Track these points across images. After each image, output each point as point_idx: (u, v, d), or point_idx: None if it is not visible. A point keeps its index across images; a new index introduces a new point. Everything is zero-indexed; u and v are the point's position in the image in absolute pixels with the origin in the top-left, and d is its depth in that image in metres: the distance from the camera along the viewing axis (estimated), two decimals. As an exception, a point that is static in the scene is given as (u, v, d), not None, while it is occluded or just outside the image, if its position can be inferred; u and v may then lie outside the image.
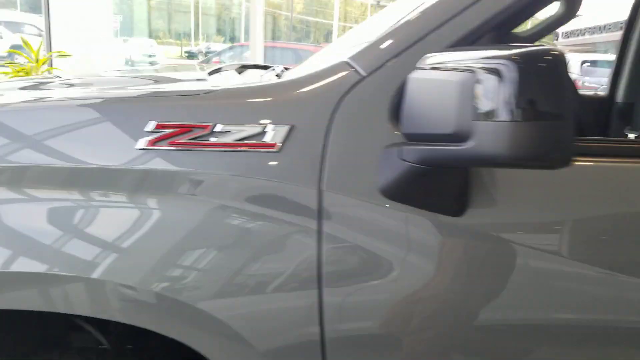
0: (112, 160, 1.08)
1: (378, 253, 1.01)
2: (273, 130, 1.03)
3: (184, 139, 1.06)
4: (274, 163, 1.03)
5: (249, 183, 1.04)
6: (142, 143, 1.06)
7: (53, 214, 1.08)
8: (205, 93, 1.12)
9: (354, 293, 1.03)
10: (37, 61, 3.33)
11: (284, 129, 1.03)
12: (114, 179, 1.07)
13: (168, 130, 1.06)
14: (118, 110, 1.13)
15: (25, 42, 3.44)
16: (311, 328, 1.02)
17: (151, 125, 1.07)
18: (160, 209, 1.06)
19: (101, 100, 1.19)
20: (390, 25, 1.11)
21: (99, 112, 1.13)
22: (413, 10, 1.10)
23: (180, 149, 1.06)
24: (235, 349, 1.06)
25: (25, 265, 1.05)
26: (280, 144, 1.03)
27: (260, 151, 1.04)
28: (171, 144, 1.06)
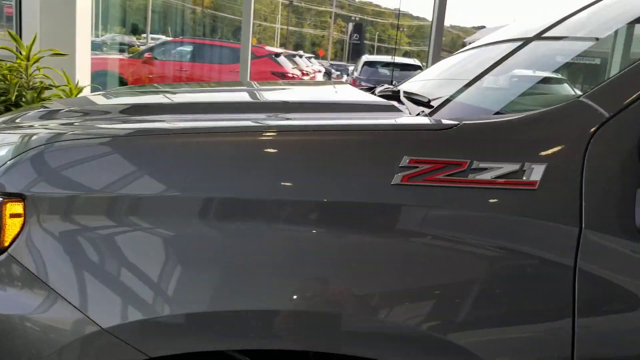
0: (363, 195, 1.06)
1: (634, 289, 1.06)
2: (532, 168, 1.05)
3: (439, 175, 1.05)
4: (533, 201, 1.05)
5: (508, 221, 1.05)
6: (397, 179, 1.04)
7: (303, 248, 1.05)
8: (451, 127, 1.12)
9: (607, 324, 1.07)
10: (28, 59, 3.03)
11: (541, 167, 1.05)
12: (366, 214, 1.06)
13: (423, 166, 1.05)
14: (367, 143, 1.11)
15: (14, 37, 3.11)
16: (562, 355, 1.05)
17: (405, 161, 1.05)
18: (413, 245, 1.05)
19: (345, 130, 1.16)
20: (625, 65, 1.15)
21: (345, 144, 1.10)
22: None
23: (437, 185, 1.05)
24: None
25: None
26: (539, 183, 1.05)
27: (520, 189, 1.05)
28: (427, 180, 1.05)
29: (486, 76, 1.58)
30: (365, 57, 12.27)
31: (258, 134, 1.16)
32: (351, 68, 18.55)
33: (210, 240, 1.05)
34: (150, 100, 1.75)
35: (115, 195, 1.06)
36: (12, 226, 1.06)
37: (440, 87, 1.91)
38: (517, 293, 1.05)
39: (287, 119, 1.28)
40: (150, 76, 9.14)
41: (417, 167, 1.05)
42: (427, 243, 1.05)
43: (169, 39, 11.15)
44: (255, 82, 2.24)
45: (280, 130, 1.17)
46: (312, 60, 14.29)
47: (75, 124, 1.32)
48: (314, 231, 1.05)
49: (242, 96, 1.88)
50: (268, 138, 1.14)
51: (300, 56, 12.24)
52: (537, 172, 1.05)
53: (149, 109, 1.51)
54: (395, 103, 1.49)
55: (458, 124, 1.12)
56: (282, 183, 1.07)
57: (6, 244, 1.06)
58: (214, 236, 1.05)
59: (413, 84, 2.09)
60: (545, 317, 1.05)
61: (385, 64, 11.49)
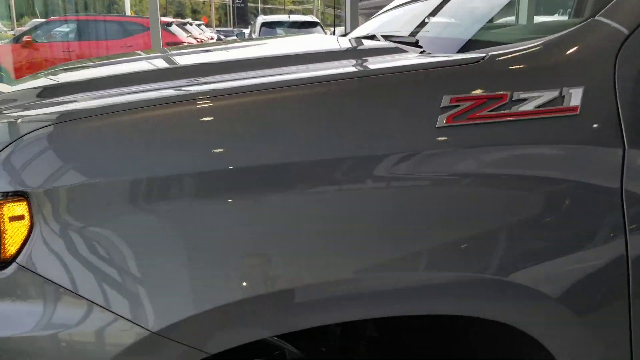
0: (408, 143, 0.98)
1: None
2: (570, 93, 1.02)
3: (483, 111, 0.99)
4: (576, 126, 1.02)
5: (555, 150, 1.02)
6: (441, 120, 0.98)
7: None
8: (479, 61, 1.05)
9: None
10: None
11: (579, 91, 1.02)
12: (415, 164, 0.98)
13: (465, 104, 0.99)
14: (401, 87, 1.02)
15: None
16: (620, 278, 1.05)
17: (446, 100, 0.98)
18: (468, 189, 1.00)
19: (374, 75, 1.08)
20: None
21: (378, 90, 1.02)
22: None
23: (482, 122, 0.99)
24: (545, 310, 1.04)
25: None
26: (580, 108, 1.02)
27: (563, 116, 1.02)
28: (471, 118, 0.99)
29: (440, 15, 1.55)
30: (262, 19, 11.95)
31: (276, 90, 1.04)
32: (246, 31, 18.08)
33: (254, 218, 0.93)
34: (98, 74, 1.55)
35: (134, 179, 0.91)
36: (16, 231, 0.88)
37: (402, 29, 1.84)
38: (571, 222, 1.02)
39: (295, 72, 1.16)
40: (37, 61, 8.32)
41: (459, 105, 0.98)
42: (481, 184, 1.00)
43: (40, 20, 10.13)
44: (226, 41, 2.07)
45: (300, 83, 1.06)
46: (203, 27, 13.75)
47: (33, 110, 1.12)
48: (368, 187, 0.96)
49: (233, 54, 1.70)
50: (297, 92, 1.02)
51: (191, 24, 11.72)
52: (575, 97, 1.02)
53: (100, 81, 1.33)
54: (398, 45, 1.40)
55: (485, 55, 1.06)
56: (317, 141, 0.96)
57: (9, 254, 0.88)
58: (257, 212, 0.94)
59: (366, 32, 2.01)
60: (599, 242, 1.04)
61: (285, 24, 11.27)
